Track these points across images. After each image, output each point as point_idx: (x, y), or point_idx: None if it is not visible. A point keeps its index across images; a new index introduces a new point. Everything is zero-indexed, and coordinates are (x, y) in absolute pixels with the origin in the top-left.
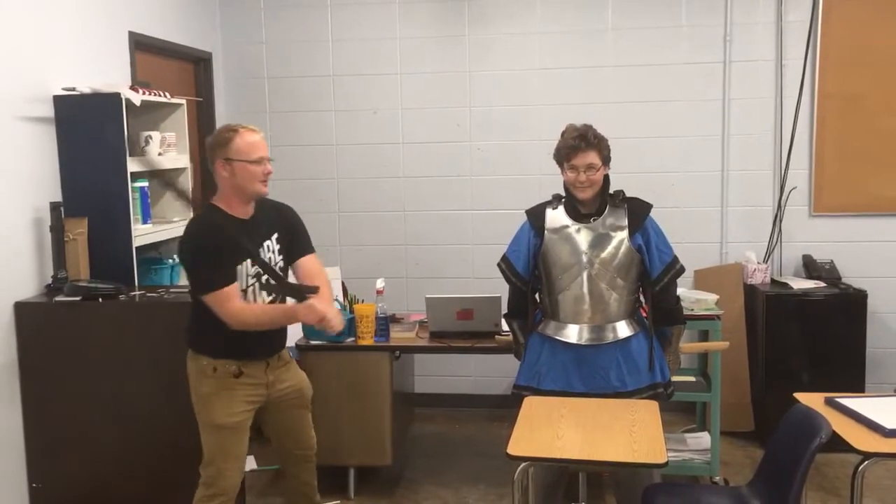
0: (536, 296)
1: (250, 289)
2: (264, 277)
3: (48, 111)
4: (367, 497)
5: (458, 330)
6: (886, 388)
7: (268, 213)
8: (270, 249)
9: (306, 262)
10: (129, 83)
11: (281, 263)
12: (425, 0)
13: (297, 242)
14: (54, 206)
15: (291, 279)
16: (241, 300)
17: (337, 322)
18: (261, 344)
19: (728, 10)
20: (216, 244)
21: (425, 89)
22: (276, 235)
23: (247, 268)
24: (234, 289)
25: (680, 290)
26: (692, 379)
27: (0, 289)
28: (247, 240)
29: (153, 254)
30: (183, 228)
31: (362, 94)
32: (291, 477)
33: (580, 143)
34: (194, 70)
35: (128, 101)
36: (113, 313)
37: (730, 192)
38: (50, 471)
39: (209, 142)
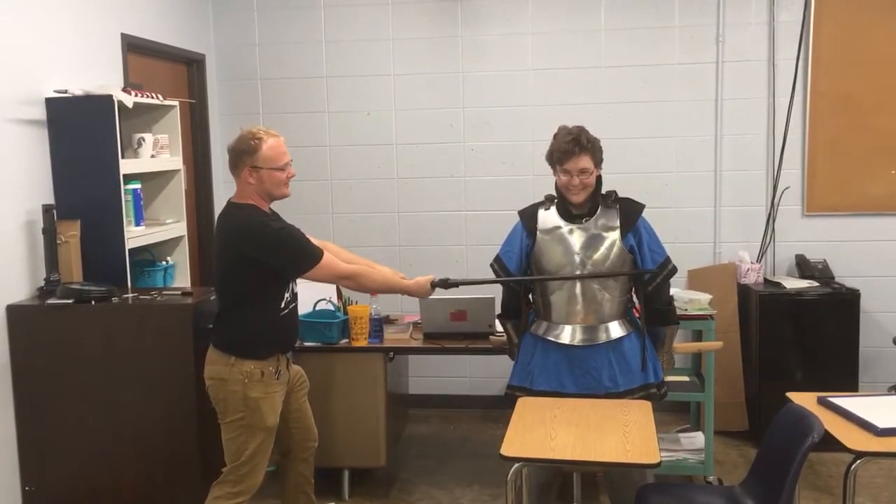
0: (530, 296)
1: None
2: None
3: (40, 113)
4: (362, 498)
5: (452, 331)
6: (879, 387)
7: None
8: None
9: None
10: (122, 85)
11: None
12: (418, 1)
13: None
14: (47, 209)
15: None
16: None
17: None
18: (294, 335)
19: (720, 10)
20: (291, 227)
21: (418, 90)
22: None
23: None
24: (329, 255)
25: (673, 291)
26: (686, 379)
27: None
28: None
29: (146, 256)
30: (174, 229)
31: (355, 96)
32: (296, 475)
33: (573, 147)
34: (187, 72)
35: (120, 102)
36: (106, 316)
37: (723, 192)
38: (43, 474)
39: (233, 148)
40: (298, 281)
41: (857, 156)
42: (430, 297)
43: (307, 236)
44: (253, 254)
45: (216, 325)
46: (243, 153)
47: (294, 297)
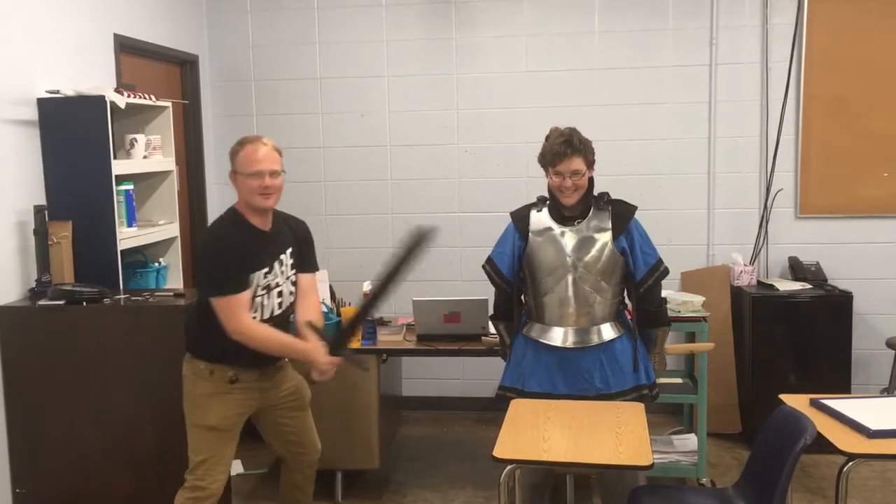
0: (522, 297)
1: (257, 299)
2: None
3: (32, 114)
4: (355, 500)
5: (446, 333)
6: (872, 389)
7: (283, 227)
8: (285, 263)
9: (303, 278)
10: (114, 85)
11: (293, 277)
12: (412, 3)
13: (302, 258)
14: (38, 210)
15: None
16: (248, 311)
17: (327, 377)
18: (257, 356)
19: (714, 13)
20: (234, 250)
21: (412, 92)
22: (290, 250)
23: (258, 279)
24: (243, 298)
25: (667, 292)
26: (679, 381)
27: None
28: (264, 252)
29: (138, 257)
30: (167, 230)
31: (349, 97)
32: (291, 485)
33: (566, 149)
34: (180, 72)
35: (112, 103)
36: (97, 317)
37: (716, 195)
38: (34, 476)
39: None
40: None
41: (850, 158)
42: (421, 299)
43: (246, 270)
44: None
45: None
46: (230, 157)
47: (268, 315)
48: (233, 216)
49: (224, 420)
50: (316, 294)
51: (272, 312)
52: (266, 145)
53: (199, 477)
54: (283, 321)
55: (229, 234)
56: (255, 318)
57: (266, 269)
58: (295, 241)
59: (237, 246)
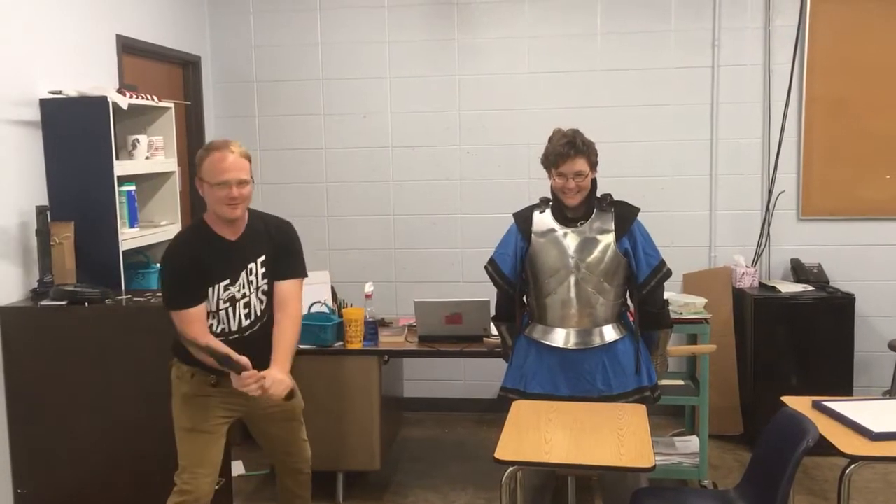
0: (524, 298)
1: (221, 312)
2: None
3: (34, 114)
4: (356, 502)
5: (447, 334)
6: (874, 392)
7: (258, 233)
8: (254, 273)
9: (280, 286)
10: (117, 86)
11: (265, 287)
12: (414, 4)
13: (280, 265)
14: (40, 210)
15: None
16: (203, 326)
17: (276, 391)
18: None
19: (716, 14)
20: (188, 263)
21: (414, 93)
22: (262, 258)
23: (219, 291)
24: (196, 312)
25: (668, 294)
26: (681, 382)
27: None
28: (227, 263)
29: (140, 258)
30: (169, 231)
31: (351, 98)
32: (284, 489)
33: (569, 150)
34: (183, 73)
35: (115, 104)
36: (99, 318)
37: (718, 196)
38: (35, 476)
39: None
40: None
41: (852, 160)
42: (423, 300)
43: (200, 284)
44: None
45: None
46: (197, 164)
47: (235, 328)
48: (196, 226)
49: (203, 422)
50: (295, 304)
51: (240, 324)
52: (234, 152)
53: (185, 481)
54: (262, 333)
55: (182, 246)
56: (223, 329)
57: (227, 281)
58: (271, 247)
59: (190, 260)
